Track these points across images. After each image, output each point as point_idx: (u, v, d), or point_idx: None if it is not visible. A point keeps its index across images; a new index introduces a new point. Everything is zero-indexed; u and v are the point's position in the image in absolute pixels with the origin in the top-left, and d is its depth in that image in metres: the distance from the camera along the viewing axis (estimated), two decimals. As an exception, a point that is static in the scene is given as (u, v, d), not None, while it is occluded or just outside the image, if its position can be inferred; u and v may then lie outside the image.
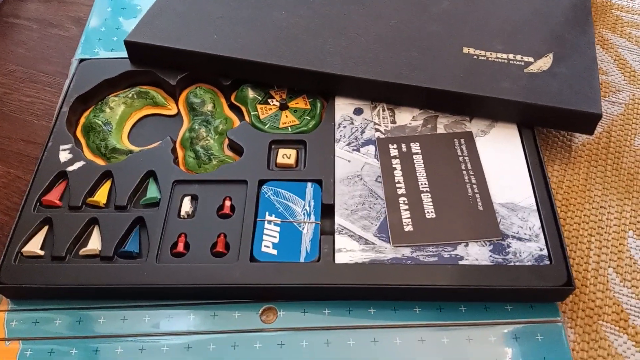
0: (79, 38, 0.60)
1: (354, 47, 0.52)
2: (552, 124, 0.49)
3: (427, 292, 0.41)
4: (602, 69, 0.57)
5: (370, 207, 0.45)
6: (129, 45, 0.53)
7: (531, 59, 0.51)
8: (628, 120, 0.53)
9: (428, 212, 0.44)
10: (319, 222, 0.44)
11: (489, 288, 0.40)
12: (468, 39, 0.53)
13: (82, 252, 0.43)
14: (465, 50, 0.52)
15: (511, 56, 0.51)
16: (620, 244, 0.45)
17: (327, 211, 0.45)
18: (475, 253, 0.42)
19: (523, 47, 0.52)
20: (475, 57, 0.51)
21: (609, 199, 0.47)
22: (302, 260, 0.42)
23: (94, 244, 0.44)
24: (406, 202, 0.44)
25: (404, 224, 0.43)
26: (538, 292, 0.40)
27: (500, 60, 0.51)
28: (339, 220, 0.44)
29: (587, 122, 0.47)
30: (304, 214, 0.44)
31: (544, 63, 0.50)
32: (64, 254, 0.43)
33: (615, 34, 0.60)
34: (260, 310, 0.41)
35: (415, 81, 0.49)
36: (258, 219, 0.44)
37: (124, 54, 0.55)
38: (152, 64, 0.54)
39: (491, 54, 0.51)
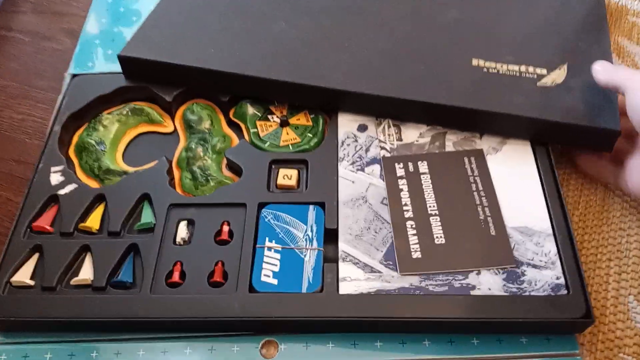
0: (73, 51, 0.58)
1: (356, 60, 0.49)
2: (567, 141, 0.47)
3: (437, 325, 0.39)
4: (618, 79, 0.54)
5: (376, 232, 0.42)
6: (123, 60, 0.51)
7: (544, 71, 0.48)
8: (646, 133, 0.50)
9: (437, 237, 0.41)
10: (322, 249, 0.42)
11: (502, 320, 0.38)
12: (477, 50, 0.50)
13: (73, 282, 0.41)
14: (475, 62, 0.49)
15: (523, 68, 0.48)
16: (641, 268, 0.42)
17: (330, 236, 0.42)
18: (488, 282, 0.39)
19: (535, 57, 0.49)
20: (485, 69, 0.48)
21: (628, 220, 0.45)
22: (304, 290, 0.40)
23: (86, 273, 0.42)
24: (414, 226, 0.42)
25: (411, 250, 0.41)
26: (555, 324, 0.38)
27: (511, 73, 0.48)
28: (342, 246, 0.42)
29: (605, 139, 0.44)
30: (305, 239, 0.42)
31: (558, 76, 0.47)
32: (55, 284, 0.41)
33: (632, 42, 0.58)
34: (261, 344, 0.39)
35: (422, 96, 0.46)
36: (257, 246, 0.42)
37: (119, 68, 0.52)
38: (147, 80, 0.52)
39: (502, 66, 0.48)
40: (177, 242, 0.43)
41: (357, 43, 0.51)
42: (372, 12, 0.54)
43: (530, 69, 0.48)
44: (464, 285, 0.39)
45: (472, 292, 0.39)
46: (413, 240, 0.41)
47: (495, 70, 0.48)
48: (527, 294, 0.38)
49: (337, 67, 0.49)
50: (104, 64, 0.57)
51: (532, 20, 0.53)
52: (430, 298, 0.39)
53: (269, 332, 0.40)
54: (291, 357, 0.38)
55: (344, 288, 0.39)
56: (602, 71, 0.43)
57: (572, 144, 0.47)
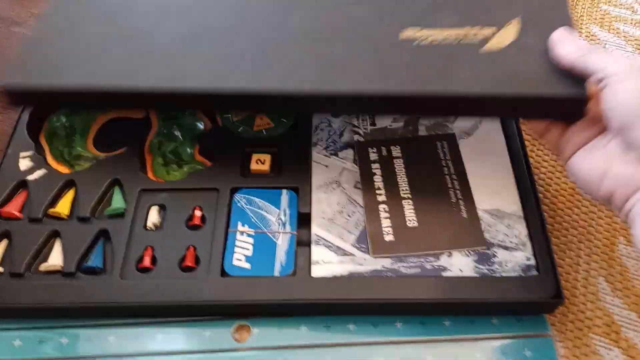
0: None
1: (263, 55, 0.40)
2: (526, 114, 0.40)
3: (409, 306, 0.39)
4: (590, 65, 0.55)
5: (349, 216, 0.42)
6: (5, 92, 0.41)
7: (492, 30, 0.39)
8: (617, 119, 0.51)
9: (409, 220, 0.42)
10: (295, 233, 0.42)
11: (474, 301, 0.38)
12: (405, 17, 0.41)
13: (42, 267, 0.41)
14: (403, 35, 0.40)
15: (465, 31, 0.39)
16: (610, 251, 0.43)
17: (303, 220, 0.42)
18: (459, 263, 0.39)
19: (479, 14, 0.40)
20: (416, 43, 0.39)
21: (598, 204, 0.45)
22: (276, 274, 0.39)
23: (55, 259, 0.41)
24: (386, 209, 0.42)
25: (384, 233, 0.41)
26: (525, 305, 0.38)
27: (449, 41, 0.39)
28: (315, 230, 0.41)
29: (571, 108, 0.36)
30: (278, 223, 0.42)
31: (507, 34, 0.38)
32: (23, 270, 0.40)
33: (603, 29, 0.58)
34: (233, 328, 0.39)
35: (343, 86, 0.38)
36: (230, 230, 0.41)
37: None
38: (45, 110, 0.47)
39: (438, 33, 0.39)
40: (148, 227, 0.42)
41: (257, 35, 0.42)
42: None
43: (475, 30, 0.39)
44: (435, 267, 0.39)
45: (444, 274, 0.39)
46: (385, 223, 0.41)
47: (429, 42, 0.39)
48: (497, 275, 0.39)
49: (239, 66, 0.40)
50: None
51: None
52: (402, 280, 0.39)
53: (241, 316, 0.39)
54: (264, 341, 0.38)
55: (317, 271, 0.39)
56: (568, 48, 0.35)
57: (533, 117, 0.40)
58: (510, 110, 0.40)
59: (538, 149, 0.49)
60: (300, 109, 0.45)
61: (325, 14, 0.42)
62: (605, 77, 0.33)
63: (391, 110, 0.42)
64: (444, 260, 0.40)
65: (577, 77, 0.35)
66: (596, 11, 0.60)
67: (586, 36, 0.58)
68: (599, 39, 0.57)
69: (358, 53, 0.40)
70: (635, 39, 0.57)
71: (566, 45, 0.36)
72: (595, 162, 0.34)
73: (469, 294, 0.38)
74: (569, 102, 0.36)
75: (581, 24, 0.59)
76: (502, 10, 0.40)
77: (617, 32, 0.58)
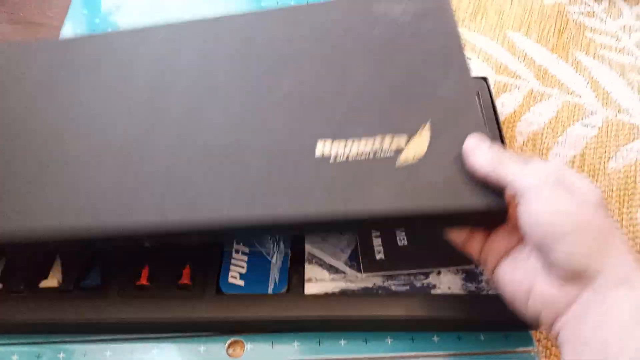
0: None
1: (164, 181, 0.38)
2: (447, 225, 0.37)
3: (399, 323, 0.40)
4: (575, 91, 0.57)
5: (341, 235, 0.43)
6: None
7: (403, 139, 0.37)
8: (601, 143, 0.53)
9: (400, 239, 0.43)
10: (289, 251, 0.43)
11: (461, 318, 0.39)
12: (320, 129, 0.39)
13: (41, 284, 0.42)
14: (319, 150, 0.37)
15: (377, 142, 0.37)
16: (595, 270, 0.44)
17: (297, 239, 0.43)
18: (448, 281, 0.41)
19: (390, 122, 0.39)
20: (331, 160, 0.37)
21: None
22: (270, 291, 0.41)
23: (54, 276, 0.42)
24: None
25: (375, 252, 0.42)
26: (511, 321, 0.39)
27: (364, 155, 0.37)
28: (309, 248, 0.43)
29: (491, 218, 0.35)
30: (272, 242, 0.43)
31: (420, 143, 0.37)
32: (22, 287, 0.41)
33: (589, 56, 0.60)
34: (227, 344, 0.40)
35: (258, 212, 0.35)
36: (225, 249, 0.43)
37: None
38: None
39: (352, 146, 0.37)
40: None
41: (153, 157, 0.39)
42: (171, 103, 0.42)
43: (387, 141, 0.37)
44: (424, 284, 0.40)
45: (433, 291, 0.40)
46: (377, 242, 0.43)
47: (344, 158, 0.37)
48: (485, 292, 0.40)
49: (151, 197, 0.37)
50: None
51: (378, 74, 0.42)
52: (392, 297, 0.40)
53: (235, 332, 0.40)
54: (257, 357, 0.39)
55: (310, 288, 0.40)
56: (481, 159, 0.33)
57: (454, 227, 0.37)
58: (431, 224, 0.38)
59: (525, 171, 0.50)
60: (208, 239, 0.41)
61: (241, 128, 0.40)
62: (517, 192, 0.30)
63: (311, 231, 0.41)
64: (433, 278, 0.41)
65: (494, 188, 0.33)
66: (582, 38, 0.62)
67: (572, 62, 0.60)
68: (584, 65, 0.59)
69: (270, 174, 0.37)
70: (620, 66, 0.59)
71: (478, 156, 0.33)
72: (519, 276, 0.31)
73: (457, 311, 0.39)
74: (488, 213, 0.34)
75: (567, 51, 0.61)
76: (411, 116, 0.39)
77: (602, 59, 0.60)
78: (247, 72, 0.44)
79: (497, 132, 0.47)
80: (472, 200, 0.34)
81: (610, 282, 0.28)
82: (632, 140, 0.53)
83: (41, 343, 0.40)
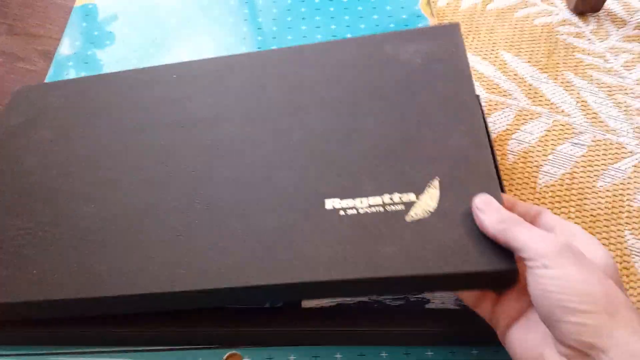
0: (46, 72, 0.59)
1: (176, 247, 0.38)
2: (456, 287, 0.37)
3: (393, 336, 0.41)
4: (564, 110, 0.59)
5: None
6: None
7: (412, 197, 0.37)
8: (590, 161, 0.54)
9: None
10: (286, 265, 0.43)
11: (455, 332, 0.40)
12: (331, 188, 0.39)
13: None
14: (329, 204, 0.38)
15: (387, 198, 0.37)
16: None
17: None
18: (442, 297, 0.42)
19: (399, 179, 0.38)
20: (342, 212, 0.37)
21: (572, 240, 0.48)
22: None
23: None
24: (373, 244, 0.44)
25: (371, 266, 0.43)
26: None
27: (374, 209, 0.37)
28: (305, 262, 0.43)
29: (501, 279, 0.34)
30: (270, 256, 0.44)
31: (431, 199, 0.37)
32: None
33: (578, 76, 0.62)
34: (224, 358, 0.40)
35: (259, 279, 0.36)
36: (223, 262, 0.43)
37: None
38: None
39: (361, 202, 0.38)
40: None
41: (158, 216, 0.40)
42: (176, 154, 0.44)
43: (396, 197, 0.37)
44: (419, 299, 0.41)
45: (427, 306, 0.41)
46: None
47: (354, 211, 0.37)
48: (477, 308, 0.41)
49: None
50: (77, 85, 0.59)
51: (389, 122, 0.42)
52: (387, 311, 0.41)
53: (232, 345, 0.41)
54: (254, 370, 0.40)
55: (306, 302, 0.41)
56: (490, 218, 0.33)
57: (464, 289, 0.37)
58: (440, 285, 0.36)
59: (516, 188, 0.52)
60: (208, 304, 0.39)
61: (249, 178, 0.41)
62: (528, 258, 0.30)
63: (318, 295, 0.39)
64: (427, 293, 0.42)
65: (504, 249, 0.33)
66: (571, 59, 0.64)
67: (562, 82, 0.61)
68: (574, 85, 0.61)
69: (283, 233, 0.37)
70: (607, 86, 0.61)
71: (488, 216, 0.33)
72: (530, 342, 0.31)
73: (451, 325, 0.40)
74: (498, 275, 0.33)
75: (557, 71, 0.63)
76: (422, 169, 0.38)
77: (590, 79, 0.62)
78: (256, 121, 0.45)
79: (469, 73, 0.45)
80: (483, 261, 0.33)
81: (620, 358, 0.27)
82: (620, 160, 0.54)
83: (24, 355, 0.41)
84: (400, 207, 0.37)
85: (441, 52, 0.45)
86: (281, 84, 0.47)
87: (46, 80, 0.59)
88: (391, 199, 0.37)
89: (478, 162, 0.38)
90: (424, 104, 0.42)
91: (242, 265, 0.36)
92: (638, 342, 0.27)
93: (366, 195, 0.38)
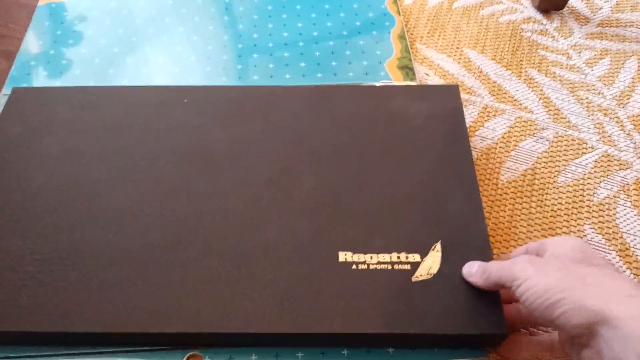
0: (8, 72, 0.59)
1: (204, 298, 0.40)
2: (452, 345, 0.41)
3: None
4: (527, 107, 0.59)
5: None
6: None
7: (417, 257, 0.42)
8: (552, 157, 0.55)
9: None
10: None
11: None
12: (341, 238, 0.43)
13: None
14: (342, 256, 0.42)
15: (395, 257, 0.42)
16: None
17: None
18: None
19: (407, 240, 0.43)
20: (354, 266, 0.41)
21: (533, 235, 0.49)
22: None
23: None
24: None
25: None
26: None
27: (383, 266, 0.41)
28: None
29: (490, 340, 0.40)
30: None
31: (433, 262, 0.41)
32: None
33: (541, 73, 0.63)
34: (185, 358, 0.40)
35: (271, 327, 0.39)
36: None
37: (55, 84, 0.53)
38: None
39: (371, 258, 0.42)
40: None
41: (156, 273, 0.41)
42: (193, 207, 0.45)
43: (402, 256, 0.42)
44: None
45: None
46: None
47: (365, 266, 0.41)
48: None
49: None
50: (39, 85, 0.58)
51: (393, 181, 0.46)
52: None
53: (194, 346, 0.41)
54: (215, 370, 0.40)
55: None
56: (477, 278, 0.39)
57: (456, 346, 0.41)
58: (439, 342, 0.40)
59: (479, 184, 0.52)
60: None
61: (256, 240, 0.43)
62: (509, 287, 0.35)
63: (328, 344, 0.41)
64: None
65: (495, 312, 0.38)
66: (535, 56, 0.65)
67: (525, 79, 0.62)
68: (537, 82, 0.62)
69: (299, 286, 0.40)
70: (570, 83, 0.62)
71: (475, 277, 0.39)
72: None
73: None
74: (491, 337, 0.39)
75: (520, 68, 0.63)
76: (425, 234, 0.43)
77: (553, 76, 0.63)
78: (271, 161, 0.47)
79: (467, 138, 0.49)
80: (481, 325, 0.38)
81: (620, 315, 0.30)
82: (581, 155, 0.55)
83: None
84: (407, 267, 0.41)
85: (442, 112, 0.50)
86: (292, 123, 0.50)
87: (8, 79, 0.58)
88: (398, 257, 0.42)
89: (475, 229, 0.43)
90: (426, 165, 0.47)
91: (264, 312, 0.39)
92: (611, 285, 0.32)
93: (376, 252, 0.42)
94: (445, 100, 0.51)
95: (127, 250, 0.42)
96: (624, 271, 0.47)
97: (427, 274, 0.41)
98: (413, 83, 0.58)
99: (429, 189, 0.46)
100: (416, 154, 0.48)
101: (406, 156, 0.48)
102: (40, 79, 0.59)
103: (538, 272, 0.34)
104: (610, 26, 0.69)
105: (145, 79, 0.59)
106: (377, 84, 0.57)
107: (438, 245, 0.42)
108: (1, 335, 0.39)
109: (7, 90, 0.57)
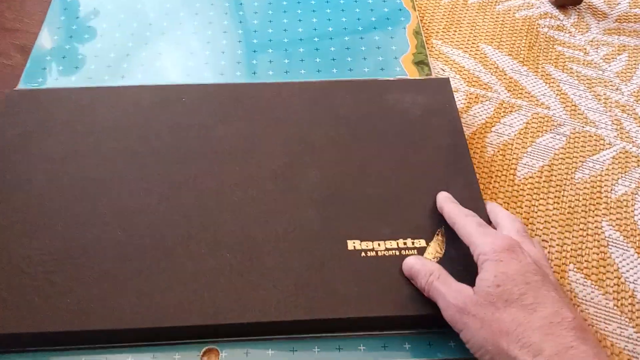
0: (24, 67, 0.59)
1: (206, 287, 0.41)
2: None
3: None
4: (544, 103, 0.59)
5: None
6: None
7: (422, 243, 0.43)
8: (569, 153, 0.54)
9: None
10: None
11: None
12: (349, 231, 0.44)
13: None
14: (351, 245, 0.43)
15: (401, 243, 0.43)
16: (561, 277, 0.46)
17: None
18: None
19: (412, 227, 0.44)
20: (363, 254, 0.42)
21: (550, 232, 0.48)
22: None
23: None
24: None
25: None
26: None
27: (390, 252, 0.42)
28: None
29: None
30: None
31: (438, 247, 0.43)
32: None
33: (558, 69, 0.62)
34: (202, 352, 0.40)
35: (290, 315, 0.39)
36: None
37: (69, 84, 0.53)
38: None
39: (379, 245, 0.43)
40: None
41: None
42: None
43: (409, 242, 0.43)
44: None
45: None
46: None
47: (374, 253, 0.43)
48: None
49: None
50: (55, 79, 0.58)
51: (394, 172, 0.48)
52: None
53: (210, 339, 0.41)
54: (231, 364, 0.40)
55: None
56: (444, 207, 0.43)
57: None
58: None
59: (495, 181, 0.52)
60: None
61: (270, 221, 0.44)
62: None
63: (346, 330, 0.41)
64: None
65: None
66: (551, 52, 0.64)
67: (542, 75, 0.61)
68: (554, 78, 0.61)
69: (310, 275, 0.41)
70: (587, 79, 0.61)
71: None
72: None
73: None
74: None
75: (537, 64, 0.63)
76: (427, 221, 0.44)
77: (570, 72, 0.62)
78: (274, 154, 0.48)
79: (461, 129, 0.51)
80: None
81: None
82: (599, 152, 0.55)
83: (7, 352, 0.40)
84: (413, 252, 0.42)
85: (436, 105, 0.52)
86: (292, 118, 0.51)
87: (24, 74, 0.58)
88: (405, 243, 0.43)
89: (476, 212, 0.43)
90: (425, 155, 0.48)
91: (279, 301, 0.40)
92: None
93: (383, 239, 0.43)
94: (438, 93, 0.53)
95: (137, 247, 0.42)
96: (643, 269, 0.46)
97: (433, 258, 0.42)
98: (406, 77, 0.58)
99: (428, 177, 0.47)
100: (414, 145, 0.49)
101: (405, 147, 0.49)
102: (56, 74, 0.59)
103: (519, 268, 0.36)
104: (629, 22, 0.68)
105: (160, 73, 0.59)
106: (407, 77, 0.57)
107: (442, 231, 0.44)
108: (18, 337, 0.39)
109: (22, 85, 0.57)
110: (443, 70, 0.62)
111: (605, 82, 0.61)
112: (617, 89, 0.60)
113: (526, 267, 0.36)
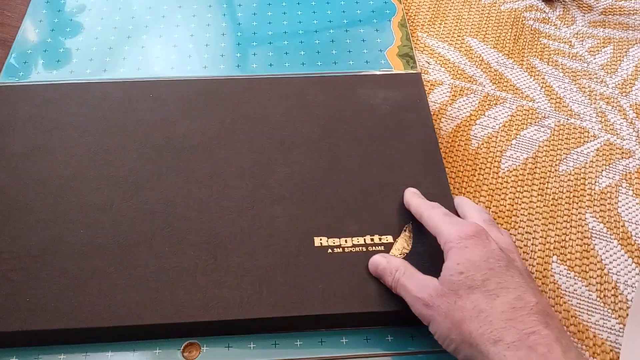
0: (4, 60, 0.58)
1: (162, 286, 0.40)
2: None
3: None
4: (529, 96, 0.59)
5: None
6: None
7: (389, 239, 0.43)
8: (553, 146, 0.54)
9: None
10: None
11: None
12: (316, 224, 0.43)
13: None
14: (317, 241, 0.43)
15: (368, 239, 0.43)
16: (544, 269, 0.46)
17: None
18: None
19: (380, 223, 0.44)
20: (330, 250, 0.42)
21: (534, 224, 0.48)
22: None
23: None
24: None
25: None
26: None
27: (357, 249, 0.42)
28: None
29: None
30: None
31: (405, 243, 0.43)
32: None
33: (543, 62, 0.62)
34: (183, 346, 0.40)
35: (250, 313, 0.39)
36: (182, 251, 0.43)
37: (51, 78, 0.53)
38: None
39: (346, 242, 0.43)
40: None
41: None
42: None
43: (377, 239, 0.43)
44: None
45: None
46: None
47: (340, 249, 0.42)
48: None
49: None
50: (37, 73, 0.57)
51: (364, 168, 0.47)
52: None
53: (191, 334, 0.40)
54: (213, 359, 0.39)
55: (265, 290, 0.41)
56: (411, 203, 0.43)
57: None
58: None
59: (479, 173, 0.52)
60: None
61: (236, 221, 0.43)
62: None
63: (311, 327, 0.41)
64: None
65: None
66: (537, 44, 0.64)
67: (527, 68, 0.61)
68: (539, 70, 0.61)
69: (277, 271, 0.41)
70: (572, 71, 0.61)
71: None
72: None
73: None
74: None
75: (522, 56, 0.63)
76: (395, 217, 0.44)
77: (555, 65, 0.62)
78: (242, 150, 0.47)
79: (432, 124, 0.51)
80: None
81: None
82: (583, 144, 0.55)
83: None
84: (380, 248, 0.42)
85: (407, 101, 0.52)
86: (262, 114, 0.50)
87: (4, 68, 0.58)
88: (372, 239, 0.43)
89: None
90: (395, 151, 0.48)
91: (242, 299, 0.39)
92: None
93: (350, 236, 0.43)
94: (409, 88, 0.53)
95: (99, 245, 0.42)
96: (626, 260, 0.46)
97: (400, 254, 0.42)
98: (377, 72, 0.57)
99: (398, 173, 0.47)
100: (384, 141, 0.49)
101: (375, 143, 0.49)
102: (38, 68, 0.58)
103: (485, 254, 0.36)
104: (614, 14, 0.68)
105: (143, 67, 0.59)
106: (377, 73, 0.57)
107: (409, 227, 0.43)
108: None
109: (3, 79, 0.56)
110: (428, 63, 0.61)
111: (590, 74, 0.61)
112: (602, 81, 0.60)
113: (490, 252, 0.36)
